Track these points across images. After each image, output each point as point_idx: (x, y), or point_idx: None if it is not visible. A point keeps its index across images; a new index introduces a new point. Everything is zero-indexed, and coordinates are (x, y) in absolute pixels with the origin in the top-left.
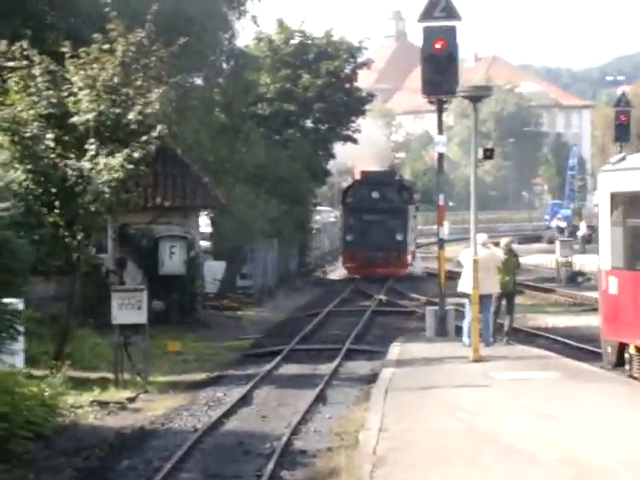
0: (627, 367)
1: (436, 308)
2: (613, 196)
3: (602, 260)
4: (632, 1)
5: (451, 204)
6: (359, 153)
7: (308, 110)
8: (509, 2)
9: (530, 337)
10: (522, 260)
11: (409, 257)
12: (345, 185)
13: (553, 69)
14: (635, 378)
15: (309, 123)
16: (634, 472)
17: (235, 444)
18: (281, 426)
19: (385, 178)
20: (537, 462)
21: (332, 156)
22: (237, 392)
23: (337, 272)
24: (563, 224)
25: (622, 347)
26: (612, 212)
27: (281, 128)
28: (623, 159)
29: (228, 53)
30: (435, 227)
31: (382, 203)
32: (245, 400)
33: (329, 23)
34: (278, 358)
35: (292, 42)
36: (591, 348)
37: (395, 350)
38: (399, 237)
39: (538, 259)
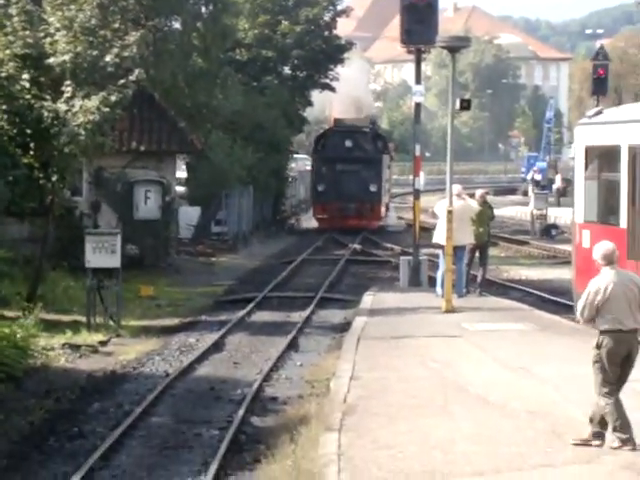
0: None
1: (410, 258)
2: (588, 150)
3: (576, 213)
4: None
5: (427, 154)
6: (337, 100)
7: (286, 57)
8: None
9: (503, 289)
10: (497, 212)
11: (383, 209)
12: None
13: (532, 21)
14: None
15: (287, 70)
16: None
17: (206, 390)
18: (252, 373)
19: (359, 126)
20: (507, 413)
21: (309, 104)
22: (209, 338)
23: (312, 221)
24: (539, 177)
25: None
26: (587, 166)
27: (259, 74)
28: (599, 113)
29: None
30: (411, 177)
31: (356, 152)
32: (217, 346)
33: None
34: (251, 305)
35: None
36: (564, 301)
37: (368, 299)
38: (373, 188)
39: (513, 211)
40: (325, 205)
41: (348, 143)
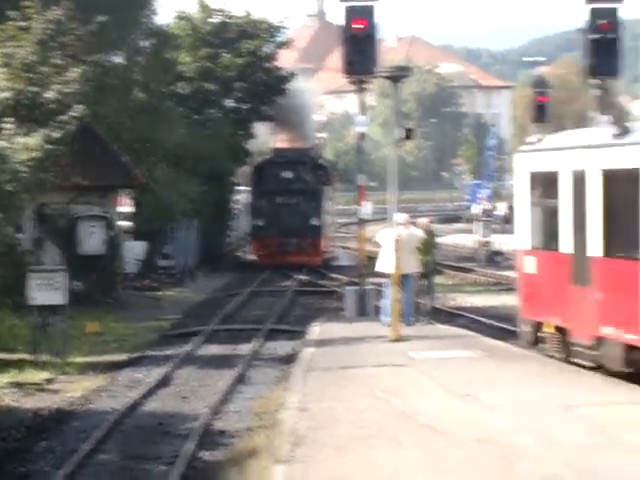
0: (543, 346)
1: (355, 288)
2: (533, 176)
3: (519, 240)
4: None
5: (373, 184)
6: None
7: (229, 89)
8: None
9: (450, 316)
10: (442, 240)
11: (325, 243)
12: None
13: (473, 50)
14: (551, 357)
15: (230, 102)
16: (553, 452)
17: (154, 425)
18: (201, 406)
19: (299, 156)
20: (456, 441)
21: (252, 136)
22: (157, 373)
23: None
24: (488, 205)
25: (539, 326)
26: (531, 192)
27: (201, 107)
28: (541, 139)
29: (148, 31)
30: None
31: (295, 184)
32: (165, 381)
33: (250, 2)
34: (199, 339)
35: (212, 21)
36: (509, 327)
37: (315, 330)
38: (314, 222)
39: (458, 239)
40: (264, 240)
41: (287, 174)
